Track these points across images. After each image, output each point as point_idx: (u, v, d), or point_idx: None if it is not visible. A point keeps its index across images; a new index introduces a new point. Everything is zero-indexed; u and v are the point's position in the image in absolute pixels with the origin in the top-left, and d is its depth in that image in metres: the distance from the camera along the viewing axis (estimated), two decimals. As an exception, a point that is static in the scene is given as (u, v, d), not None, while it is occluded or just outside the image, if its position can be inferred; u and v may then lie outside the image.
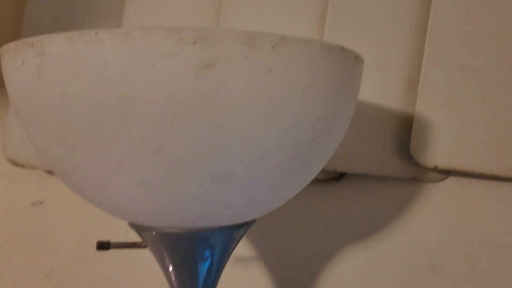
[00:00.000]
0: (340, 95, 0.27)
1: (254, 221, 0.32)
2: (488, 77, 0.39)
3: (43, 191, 0.50)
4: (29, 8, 0.47)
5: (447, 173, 0.42)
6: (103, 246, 0.31)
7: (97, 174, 0.25)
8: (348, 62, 0.27)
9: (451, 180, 0.42)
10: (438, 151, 0.40)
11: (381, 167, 0.41)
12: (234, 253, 0.33)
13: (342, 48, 0.26)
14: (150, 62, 0.22)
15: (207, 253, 0.30)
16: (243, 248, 0.46)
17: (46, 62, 0.23)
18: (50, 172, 0.49)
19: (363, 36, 0.41)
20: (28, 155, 0.46)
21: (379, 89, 0.41)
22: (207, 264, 0.30)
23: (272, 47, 0.23)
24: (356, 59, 0.27)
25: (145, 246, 0.31)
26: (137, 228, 0.30)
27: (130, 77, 0.22)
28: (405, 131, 0.41)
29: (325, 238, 0.45)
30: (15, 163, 0.46)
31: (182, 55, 0.22)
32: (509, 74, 0.38)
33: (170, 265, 0.30)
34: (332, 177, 0.44)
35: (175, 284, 0.31)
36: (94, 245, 0.33)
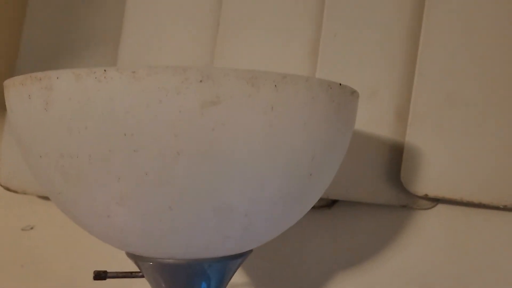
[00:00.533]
0: (337, 130, 0.28)
1: (250, 251, 0.32)
2: (477, 107, 0.40)
3: (34, 216, 0.50)
4: (25, 38, 0.47)
5: (436, 201, 0.43)
6: (100, 276, 0.31)
7: (99, 207, 0.25)
8: (345, 98, 0.27)
9: (440, 208, 0.43)
10: (428, 180, 0.41)
11: (373, 194, 0.42)
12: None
13: (340, 85, 0.27)
14: (156, 99, 0.22)
15: (204, 284, 0.30)
16: (237, 275, 0.46)
17: (53, 97, 0.23)
18: (41, 197, 0.49)
19: (354, 67, 0.42)
20: (21, 181, 0.46)
21: (370, 119, 0.42)
22: (204, 294, 0.31)
23: (275, 86, 0.24)
24: (352, 95, 0.28)
25: (142, 276, 0.31)
26: (135, 258, 0.30)
27: (136, 113, 0.22)
28: (395, 160, 0.42)
29: (317, 265, 0.45)
30: (8, 189, 0.46)
31: (188, 93, 0.22)
32: (497, 104, 0.40)
33: (167, 295, 0.31)
34: (325, 204, 0.44)
35: (171, 313, 0.31)
36: (85, 271, 0.33)
